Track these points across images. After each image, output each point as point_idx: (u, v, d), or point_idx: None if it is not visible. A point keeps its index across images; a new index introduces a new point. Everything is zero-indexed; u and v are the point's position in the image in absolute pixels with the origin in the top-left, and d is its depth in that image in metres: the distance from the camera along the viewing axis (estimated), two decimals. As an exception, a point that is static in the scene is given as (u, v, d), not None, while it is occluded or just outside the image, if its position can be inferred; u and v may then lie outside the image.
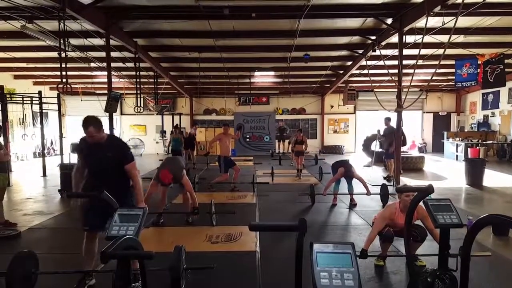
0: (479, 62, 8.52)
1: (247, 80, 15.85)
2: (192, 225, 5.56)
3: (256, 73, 14.83)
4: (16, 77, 15.29)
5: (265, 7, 7.90)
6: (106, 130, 9.24)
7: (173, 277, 2.73)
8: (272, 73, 15.02)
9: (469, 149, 13.95)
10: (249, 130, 19.16)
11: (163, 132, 17.37)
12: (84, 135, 3.28)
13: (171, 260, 2.79)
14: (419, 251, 4.08)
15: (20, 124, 14.54)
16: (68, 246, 4.59)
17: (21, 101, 11.42)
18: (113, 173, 3.30)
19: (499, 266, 4.10)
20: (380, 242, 4.00)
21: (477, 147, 13.93)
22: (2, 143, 5.83)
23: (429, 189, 2.84)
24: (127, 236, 2.15)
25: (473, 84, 8.66)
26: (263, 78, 16.37)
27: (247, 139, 19.22)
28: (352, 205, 6.86)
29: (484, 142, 14.64)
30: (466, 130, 17.28)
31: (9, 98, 10.88)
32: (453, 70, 9.06)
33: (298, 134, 10.24)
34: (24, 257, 2.79)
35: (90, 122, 3.19)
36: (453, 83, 9.53)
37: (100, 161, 3.29)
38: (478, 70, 8.45)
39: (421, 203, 2.86)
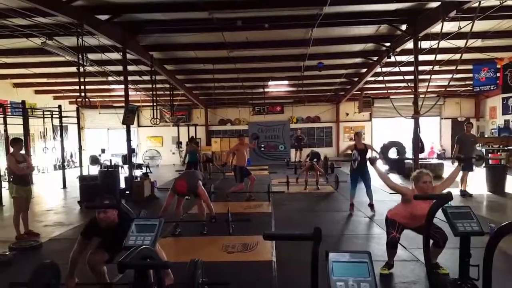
0: (498, 66, 8.37)
1: (261, 90, 15.91)
2: (208, 234, 5.56)
3: (270, 83, 14.88)
4: (37, 92, 15.75)
5: (277, 17, 7.94)
6: (124, 142, 9.34)
7: None
8: (286, 82, 15.05)
9: (489, 155, 13.60)
10: (264, 140, 19.15)
11: (179, 143, 17.55)
12: (95, 219, 3.21)
13: (187, 275, 2.76)
14: (440, 259, 3.99)
15: (41, 137, 14.93)
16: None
17: (42, 115, 11.74)
18: None
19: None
20: (387, 249, 3.95)
21: (498, 153, 13.57)
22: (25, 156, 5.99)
23: (448, 197, 2.78)
24: (144, 246, 2.17)
25: (492, 88, 8.49)
26: (277, 87, 16.41)
27: (262, 149, 19.22)
28: (370, 205, 6.81)
29: (506, 148, 14.25)
30: (486, 136, 16.86)
31: (31, 113, 11.21)
32: (471, 75, 8.91)
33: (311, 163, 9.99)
34: (46, 267, 2.83)
35: (106, 200, 3.14)
36: (472, 88, 9.35)
37: (116, 246, 3.12)
38: (498, 74, 8.29)
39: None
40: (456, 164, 4.02)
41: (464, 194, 8.19)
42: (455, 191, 8.22)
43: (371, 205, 6.93)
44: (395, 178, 11.53)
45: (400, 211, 3.87)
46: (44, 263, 2.87)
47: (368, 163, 6.86)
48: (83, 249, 3.31)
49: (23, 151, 5.99)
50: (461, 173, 8.17)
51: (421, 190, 3.70)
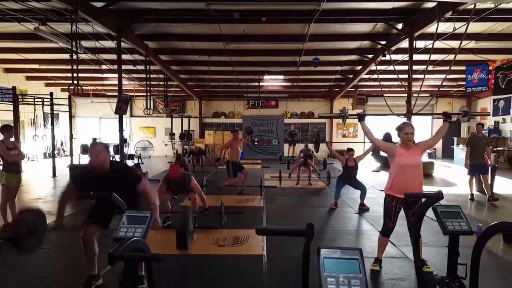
0: (490, 68, 8.45)
1: (256, 84, 15.88)
2: (199, 227, 5.56)
3: (266, 77, 14.85)
4: (28, 78, 15.52)
5: (275, 11, 7.92)
6: (116, 132, 9.28)
7: (181, 235, 3.00)
8: (281, 77, 15.04)
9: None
10: (257, 134, 19.18)
11: (172, 135, 17.49)
12: (86, 168, 3.28)
13: (180, 220, 3.02)
14: (429, 257, 4.05)
15: (31, 124, 14.74)
16: (76, 246, 4.62)
17: (33, 102, 11.58)
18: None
19: (509, 274, 4.05)
20: (379, 237, 4.00)
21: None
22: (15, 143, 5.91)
23: (439, 196, 2.81)
24: (135, 238, 2.16)
25: (484, 89, 8.57)
26: (272, 81, 16.39)
27: (256, 143, 19.24)
28: (364, 210, 6.83)
29: (495, 149, 14.42)
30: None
31: (21, 99, 11.04)
32: (463, 76, 8.98)
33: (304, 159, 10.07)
34: (31, 212, 2.86)
35: (98, 144, 3.31)
36: (464, 89, 9.43)
37: (106, 212, 3.25)
38: (489, 76, 8.37)
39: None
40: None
41: (491, 198, 7.65)
42: (446, 190, 8.32)
43: (361, 205, 6.99)
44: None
45: (392, 173, 3.83)
46: (29, 207, 2.89)
47: (359, 167, 7.04)
48: (71, 192, 3.36)
49: (12, 138, 5.92)
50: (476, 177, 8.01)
51: (403, 140, 3.73)
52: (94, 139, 15.20)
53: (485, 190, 7.90)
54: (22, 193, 8.27)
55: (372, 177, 11.39)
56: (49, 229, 3.11)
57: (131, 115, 19.55)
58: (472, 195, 7.95)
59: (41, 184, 9.92)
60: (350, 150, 7.25)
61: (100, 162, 3.19)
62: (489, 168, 7.96)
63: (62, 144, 18.08)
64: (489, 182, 7.86)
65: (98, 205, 3.41)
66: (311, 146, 11.27)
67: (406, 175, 3.67)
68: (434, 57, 8.90)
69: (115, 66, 9.40)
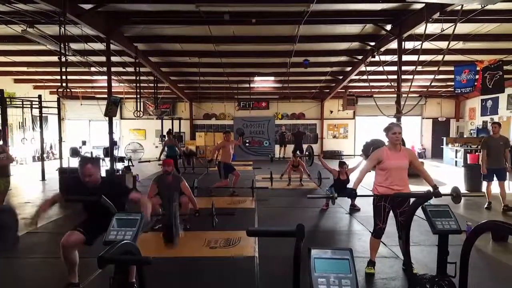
0: (478, 68, 8.55)
1: (247, 85, 15.89)
2: (191, 229, 5.53)
3: (256, 78, 14.86)
4: (16, 81, 15.31)
5: (265, 13, 7.94)
6: (106, 134, 9.20)
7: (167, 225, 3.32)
8: (272, 78, 15.07)
9: (468, 155, 13.95)
10: (248, 135, 19.16)
11: (162, 137, 17.39)
12: (82, 178, 3.23)
13: (166, 213, 3.30)
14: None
15: (19, 128, 14.53)
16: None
17: (21, 105, 11.43)
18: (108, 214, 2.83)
19: (498, 272, 4.10)
20: (371, 239, 3.98)
21: (476, 153, 13.92)
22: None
23: (428, 195, 2.85)
24: (125, 241, 2.14)
25: (472, 90, 8.67)
26: (263, 83, 16.41)
27: (247, 144, 19.23)
28: (355, 210, 6.86)
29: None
30: (465, 136, 17.28)
31: (9, 102, 10.87)
32: (452, 76, 9.09)
33: (294, 159, 10.06)
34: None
35: (88, 160, 3.27)
36: (452, 89, 9.55)
37: (95, 206, 3.15)
38: (477, 76, 8.48)
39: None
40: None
41: (506, 208, 6.89)
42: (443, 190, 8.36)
43: (352, 205, 7.02)
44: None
45: (378, 173, 3.90)
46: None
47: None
48: (57, 198, 3.50)
49: (0, 142, 5.84)
50: (485, 184, 7.24)
51: (391, 140, 3.80)
52: (84, 141, 15.07)
53: (500, 198, 6.99)
54: (11, 197, 8.15)
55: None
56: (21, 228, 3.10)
57: (121, 118, 19.40)
58: (489, 203, 7.16)
59: (30, 187, 9.79)
60: (343, 164, 7.24)
61: (93, 182, 3.22)
62: (507, 173, 7.12)
63: (51, 147, 17.86)
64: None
65: (89, 216, 3.37)
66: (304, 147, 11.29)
67: (392, 175, 3.75)
68: (423, 57, 9.00)
69: (105, 68, 9.33)
